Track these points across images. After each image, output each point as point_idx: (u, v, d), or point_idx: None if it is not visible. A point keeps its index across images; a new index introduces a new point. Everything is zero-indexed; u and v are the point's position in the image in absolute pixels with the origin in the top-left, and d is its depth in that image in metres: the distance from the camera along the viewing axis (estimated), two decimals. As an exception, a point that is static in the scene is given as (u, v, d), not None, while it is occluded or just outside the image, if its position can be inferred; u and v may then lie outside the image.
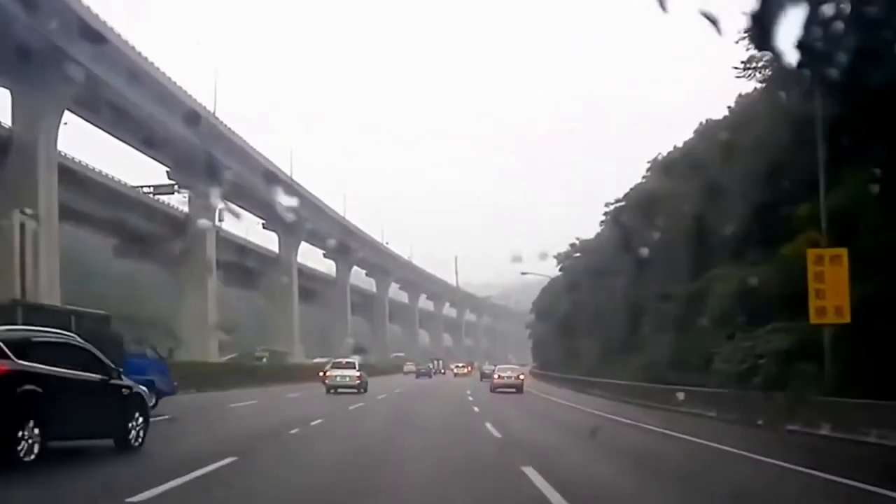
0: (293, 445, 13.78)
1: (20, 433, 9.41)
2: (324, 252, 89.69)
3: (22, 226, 22.04)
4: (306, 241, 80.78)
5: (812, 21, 14.96)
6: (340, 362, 37.12)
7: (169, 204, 59.04)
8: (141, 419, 12.06)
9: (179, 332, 49.65)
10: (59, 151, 45.97)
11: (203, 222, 56.59)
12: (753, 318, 21.18)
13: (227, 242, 65.92)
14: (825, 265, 16.81)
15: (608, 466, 11.49)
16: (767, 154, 23.36)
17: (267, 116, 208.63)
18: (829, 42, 15.27)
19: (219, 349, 58.06)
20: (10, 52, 36.97)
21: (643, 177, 46.79)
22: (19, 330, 11.15)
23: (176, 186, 57.30)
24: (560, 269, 64.04)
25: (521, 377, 40.46)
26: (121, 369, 12.57)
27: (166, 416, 17.87)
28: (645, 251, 30.53)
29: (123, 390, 11.92)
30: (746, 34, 22.17)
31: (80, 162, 49.72)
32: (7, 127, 43.07)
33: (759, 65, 26.64)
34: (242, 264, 71.45)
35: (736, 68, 27.26)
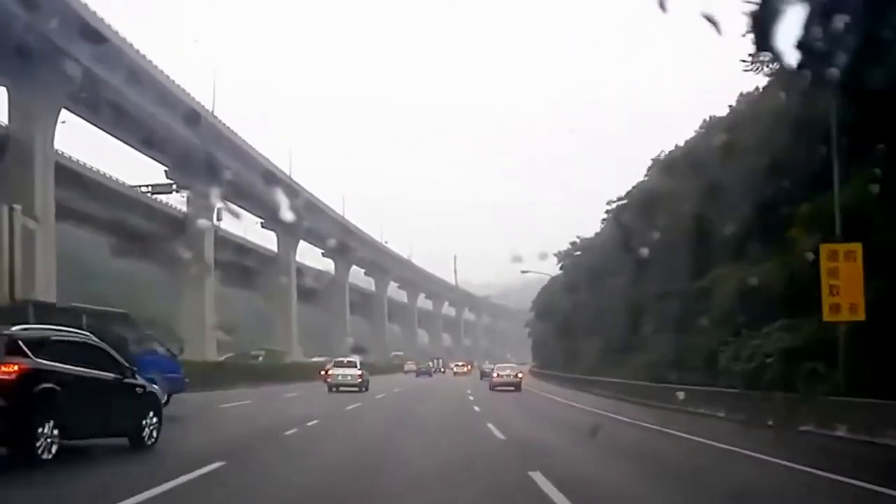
0: (286, 448, 13.39)
1: (39, 430, 9.54)
2: (322, 251, 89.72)
3: (11, 222, 21.75)
4: (305, 240, 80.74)
5: (812, 21, 14.98)
6: (342, 361, 38.49)
7: (167, 203, 59.11)
8: (155, 418, 12.28)
9: (178, 332, 49.56)
10: (58, 150, 45.92)
11: (202, 222, 56.54)
12: (755, 318, 21.06)
13: (226, 242, 65.90)
14: (839, 261, 16.37)
15: (620, 471, 11.10)
16: (769, 153, 23.31)
17: (266, 116, 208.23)
18: (829, 42, 15.28)
19: (218, 349, 58.05)
20: (7, 50, 36.90)
21: (645, 175, 46.74)
22: (37, 329, 11.20)
23: (174, 186, 57.30)
24: (560, 268, 64.02)
25: (520, 375, 40.83)
26: (134, 368, 12.65)
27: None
28: (646, 250, 30.48)
29: (137, 389, 12.11)
30: (751, 30, 22.01)
31: (78, 161, 49.65)
32: (3, 125, 42.96)
33: (767, 59, 26.40)
34: (241, 263, 71.37)
35: (744, 61, 26.99)
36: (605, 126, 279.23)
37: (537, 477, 9.41)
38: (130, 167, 77.51)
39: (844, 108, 17.43)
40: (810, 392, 16.97)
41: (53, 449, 9.70)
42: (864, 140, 17.67)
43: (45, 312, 16.90)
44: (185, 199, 58.79)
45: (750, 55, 26.49)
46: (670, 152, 43.36)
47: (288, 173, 71.84)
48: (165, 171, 56.96)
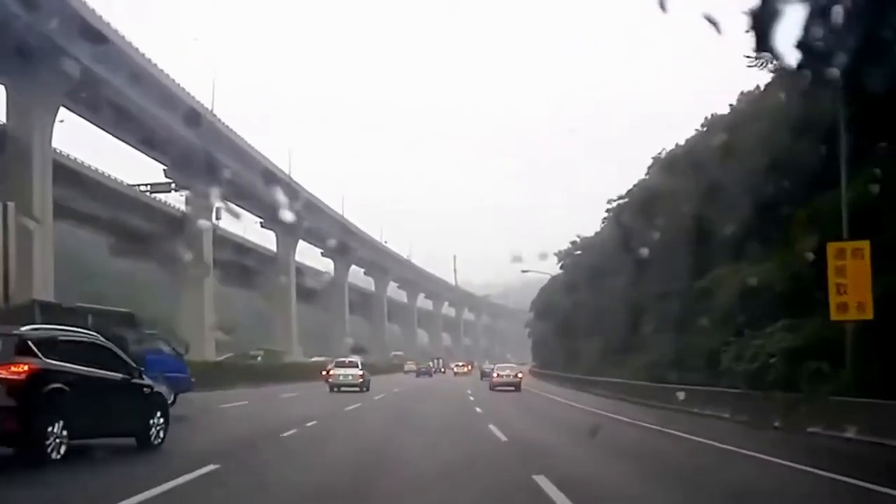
0: (286, 448, 13.29)
1: (49, 430, 9.58)
2: (322, 251, 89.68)
3: (5, 219, 21.64)
4: (304, 239, 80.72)
5: (812, 21, 14.95)
6: (343, 361, 39.06)
7: (167, 203, 59.06)
8: (161, 418, 12.32)
9: (178, 332, 49.49)
10: (56, 149, 45.84)
11: (201, 221, 56.49)
12: (756, 318, 21.00)
13: (226, 241, 65.86)
14: (847, 259, 16.03)
15: (621, 471, 11.00)
16: (770, 152, 23.28)
17: (268, 118, 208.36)
18: (829, 42, 15.25)
19: (217, 349, 57.96)
20: (6, 48, 36.86)
21: (646, 173, 46.71)
22: (46, 329, 11.21)
23: (173, 184, 57.28)
24: (561, 267, 63.99)
25: (519, 375, 40.87)
26: (142, 368, 12.67)
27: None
28: (646, 250, 30.46)
29: (145, 389, 12.15)
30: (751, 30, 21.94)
31: (77, 160, 49.60)
32: (1, 123, 42.90)
33: (767, 57, 26.30)
34: (241, 263, 71.32)
35: (748, 57, 26.90)
36: (606, 128, 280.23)
37: (543, 482, 9.12)
38: (130, 166, 77.48)
39: (845, 107, 17.42)
40: (815, 392, 16.79)
41: (62, 449, 9.73)
42: (864, 139, 17.65)
43: (50, 312, 16.91)
44: (184, 199, 58.88)
45: (754, 50, 26.34)
46: (671, 151, 43.33)
47: (288, 173, 71.94)
48: (164, 170, 56.95)
